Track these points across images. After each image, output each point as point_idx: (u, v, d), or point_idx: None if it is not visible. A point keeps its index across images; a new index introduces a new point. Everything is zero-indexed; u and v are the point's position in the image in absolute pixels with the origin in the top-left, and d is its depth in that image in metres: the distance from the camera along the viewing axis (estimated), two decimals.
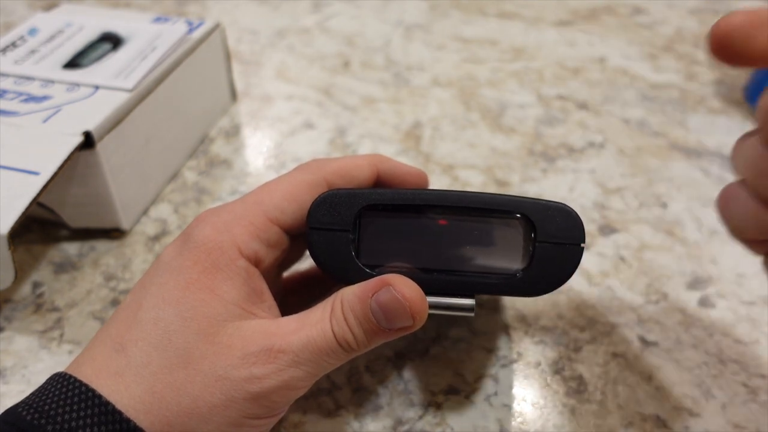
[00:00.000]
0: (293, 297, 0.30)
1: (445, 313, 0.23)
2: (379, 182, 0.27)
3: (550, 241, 0.22)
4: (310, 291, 0.31)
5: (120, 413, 0.20)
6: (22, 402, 0.21)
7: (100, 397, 0.20)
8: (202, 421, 0.21)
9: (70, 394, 0.20)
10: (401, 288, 0.21)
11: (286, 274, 0.30)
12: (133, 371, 0.21)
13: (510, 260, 0.23)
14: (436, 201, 0.23)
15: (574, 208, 0.23)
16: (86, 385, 0.20)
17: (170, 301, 0.22)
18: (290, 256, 0.29)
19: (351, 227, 0.23)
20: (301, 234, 0.27)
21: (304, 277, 0.31)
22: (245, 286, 0.23)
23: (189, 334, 0.21)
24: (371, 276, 0.22)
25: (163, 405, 0.20)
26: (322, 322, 0.22)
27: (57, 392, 0.20)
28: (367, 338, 0.22)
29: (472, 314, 0.23)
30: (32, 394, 0.21)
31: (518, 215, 0.22)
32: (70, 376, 0.21)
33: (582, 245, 0.22)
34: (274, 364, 0.21)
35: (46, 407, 0.20)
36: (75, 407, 0.20)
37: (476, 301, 0.23)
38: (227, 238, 0.23)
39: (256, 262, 0.24)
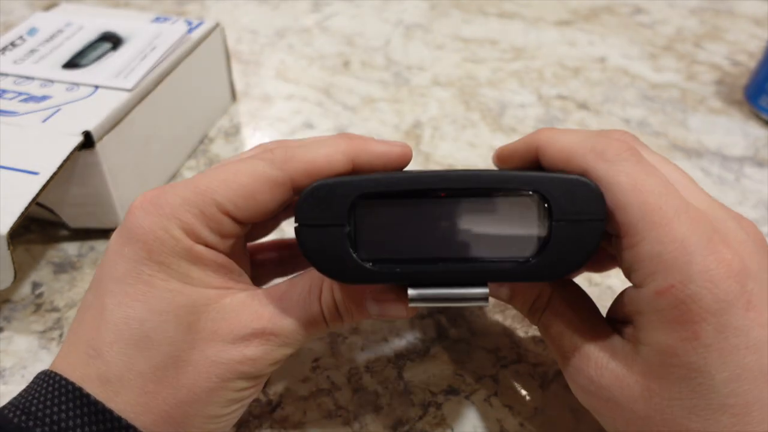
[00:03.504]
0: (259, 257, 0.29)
1: (457, 305, 0.21)
2: (357, 170, 0.23)
3: (567, 219, 0.20)
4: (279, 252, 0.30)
5: (111, 411, 0.20)
6: (8, 404, 0.20)
7: (88, 396, 0.20)
8: (202, 405, 0.21)
9: (56, 393, 0.20)
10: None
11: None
12: (117, 376, 0.20)
13: (524, 242, 0.21)
14: (437, 184, 0.20)
15: None
16: (73, 384, 0.20)
17: (136, 297, 0.20)
18: (256, 234, 0.28)
19: (345, 220, 0.20)
20: (259, 225, 0.26)
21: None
22: (211, 265, 0.22)
23: (168, 328, 0.20)
24: (371, 273, 0.21)
25: (160, 400, 0.20)
26: (310, 306, 0.22)
27: (44, 392, 0.20)
28: (356, 320, 0.23)
29: (487, 304, 0.21)
30: (19, 395, 0.20)
31: (530, 192, 0.20)
32: (56, 375, 0.20)
33: (603, 220, 0.20)
34: (267, 345, 0.21)
35: (33, 408, 0.19)
36: (63, 407, 0.19)
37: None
38: (176, 224, 0.21)
39: (210, 248, 0.22)
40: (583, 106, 0.49)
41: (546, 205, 0.20)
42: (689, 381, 0.19)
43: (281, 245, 0.30)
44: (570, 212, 0.20)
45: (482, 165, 0.42)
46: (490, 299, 0.22)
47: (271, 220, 0.28)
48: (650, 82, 0.51)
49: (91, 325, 0.21)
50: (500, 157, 0.26)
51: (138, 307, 0.20)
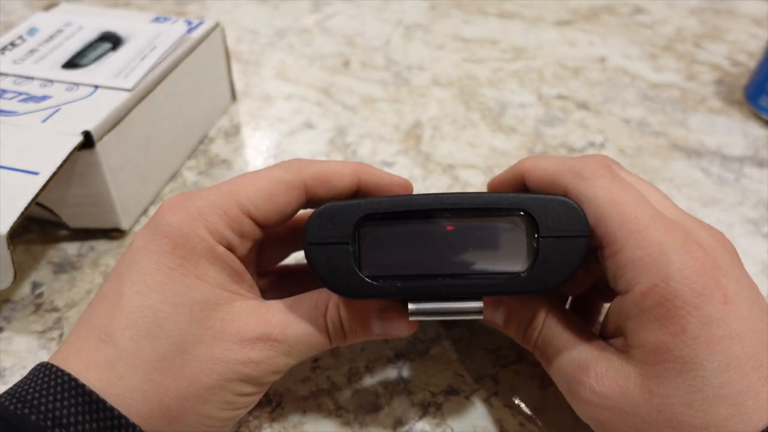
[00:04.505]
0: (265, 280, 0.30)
1: (454, 318, 0.23)
2: (362, 192, 0.26)
3: (554, 236, 0.22)
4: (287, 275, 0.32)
5: (104, 402, 0.20)
6: (5, 392, 0.20)
7: (83, 386, 0.20)
8: (199, 402, 0.22)
9: (53, 383, 0.20)
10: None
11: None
12: (124, 361, 0.21)
13: (515, 258, 0.22)
14: (433, 205, 0.22)
15: None
16: (69, 375, 0.20)
17: (154, 287, 0.22)
18: (269, 258, 0.29)
19: (350, 239, 0.22)
20: (275, 233, 0.28)
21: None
22: (227, 269, 0.23)
23: (181, 320, 0.21)
24: (374, 288, 0.22)
25: (161, 391, 0.21)
26: (316, 321, 0.23)
27: (40, 382, 0.20)
28: (359, 339, 0.24)
29: (481, 317, 0.23)
30: (15, 384, 0.21)
31: (519, 212, 0.22)
32: (53, 366, 0.21)
33: (586, 236, 0.22)
34: (271, 351, 0.22)
35: (29, 397, 0.20)
36: (59, 396, 0.20)
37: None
38: (202, 224, 0.23)
39: (230, 250, 0.24)
40: (583, 106, 0.49)
41: (533, 224, 0.22)
42: (684, 375, 0.19)
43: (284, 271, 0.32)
44: (556, 230, 0.22)
45: (482, 165, 0.42)
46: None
47: (282, 248, 0.30)
48: (650, 82, 0.51)
49: (106, 312, 0.22)
50: (492, 186, 0.28)
51: (154, 296, 0.21)
